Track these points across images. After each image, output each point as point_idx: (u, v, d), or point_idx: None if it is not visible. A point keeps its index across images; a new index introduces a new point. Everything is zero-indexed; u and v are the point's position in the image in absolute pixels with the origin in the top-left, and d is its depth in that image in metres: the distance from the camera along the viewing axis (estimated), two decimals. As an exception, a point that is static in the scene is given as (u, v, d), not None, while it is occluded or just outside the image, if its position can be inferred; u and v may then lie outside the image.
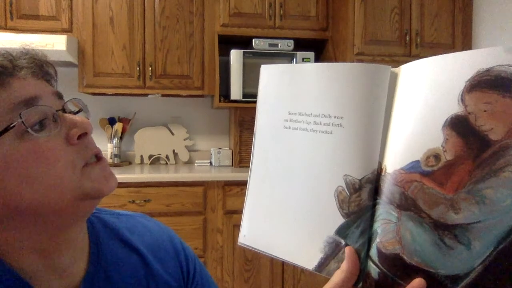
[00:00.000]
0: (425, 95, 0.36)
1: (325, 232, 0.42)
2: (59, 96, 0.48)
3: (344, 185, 0.41)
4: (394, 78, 0.39)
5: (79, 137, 0.45)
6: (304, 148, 0.44)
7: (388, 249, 0.37)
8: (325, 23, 2.37)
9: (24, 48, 0.47)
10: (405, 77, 0.38)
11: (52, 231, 0.45)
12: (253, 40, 2.28)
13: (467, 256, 0.33)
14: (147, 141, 2.55)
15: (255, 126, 0.49)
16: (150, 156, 2.54)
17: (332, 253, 0.42)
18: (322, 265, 0.43)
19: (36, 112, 0.42)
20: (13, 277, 0.43)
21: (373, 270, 0.39)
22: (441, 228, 0.34)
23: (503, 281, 0.32)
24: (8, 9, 2.11)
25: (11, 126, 0.40)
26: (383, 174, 0.39)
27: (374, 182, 0.39)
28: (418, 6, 2.24)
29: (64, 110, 0.46)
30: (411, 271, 0.36)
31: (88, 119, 0.48)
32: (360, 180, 0.40)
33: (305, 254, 0.44)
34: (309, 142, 0.43)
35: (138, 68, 2.25)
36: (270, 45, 2.30)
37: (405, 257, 0.36)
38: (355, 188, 0.40)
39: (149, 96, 2.48)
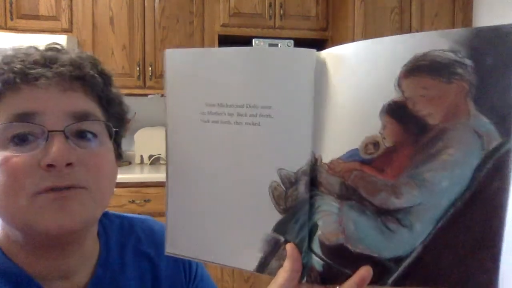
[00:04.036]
0: (361, 80, 0.34)
1: (262, 231, 0.40)
2: (77, 117, 0.43)
3: (279, 180, 0.38)
4: (322, 63, 0.37)
5: (50, 165, 0.40)
6: (228, 143, 0.40)
7: (331, 240, 0.37)
8: (325, 23, 2.37)
9: (57, 52, 0.45)
10: (338, 62, 0.36)
11: (49, 242, 0.44)
12: (253, 40, 2.27)
13: (409, 238, 0.33)
14: (147, 141, 2.55)
15: (165, 120, 0.43)
16: (150, 156, 2.54)
17: (272, 251, 0.40)
18: (263, 265, 0.41)
19: (22, 128, 0.41)
20: (26, 279, 0.44)
21: (317, 263, 0.38)
22: (384, 214, 0.34)
23: (441, 257, 0.33)
24: (8, 9, 2.12)
25: None
26: (318, 164, 0.37)
27: (309, 173, 0.38)
28: (418, 6, 2.22)
29: (64, 132, 0.42)
30: (356, 259, 0.35)
31: (94, 147, 0.45)
32: (295, 173, 0.38)
33: (243, 256, 0.41)
34: (234, 136, 0.39)
35: (138, 68, 2.26)
36: (270, 45, 2.29)
37: (349, 246, 0.36)
38: (291, 181, 0.38)
39: (149, 96, 2.48)
